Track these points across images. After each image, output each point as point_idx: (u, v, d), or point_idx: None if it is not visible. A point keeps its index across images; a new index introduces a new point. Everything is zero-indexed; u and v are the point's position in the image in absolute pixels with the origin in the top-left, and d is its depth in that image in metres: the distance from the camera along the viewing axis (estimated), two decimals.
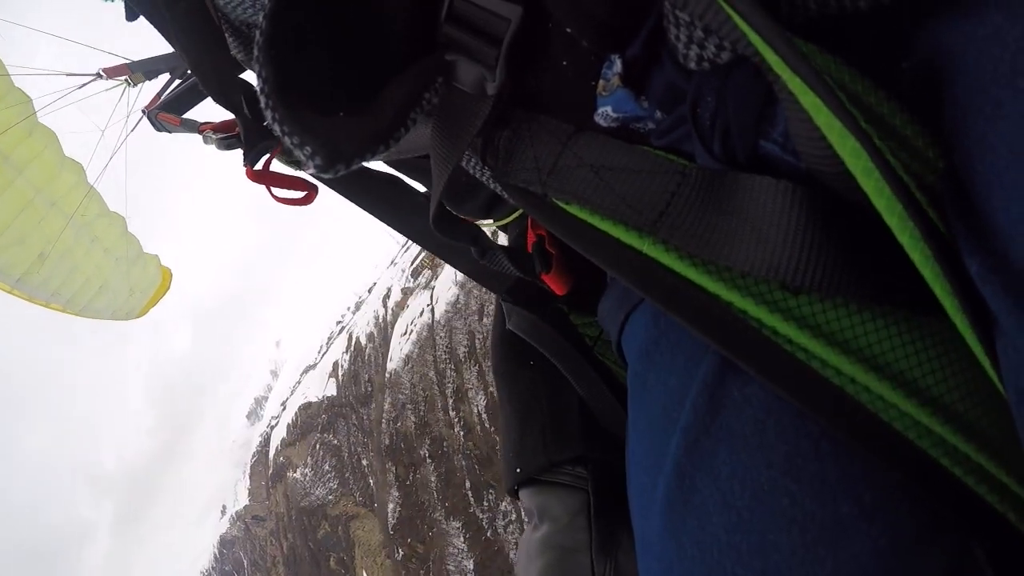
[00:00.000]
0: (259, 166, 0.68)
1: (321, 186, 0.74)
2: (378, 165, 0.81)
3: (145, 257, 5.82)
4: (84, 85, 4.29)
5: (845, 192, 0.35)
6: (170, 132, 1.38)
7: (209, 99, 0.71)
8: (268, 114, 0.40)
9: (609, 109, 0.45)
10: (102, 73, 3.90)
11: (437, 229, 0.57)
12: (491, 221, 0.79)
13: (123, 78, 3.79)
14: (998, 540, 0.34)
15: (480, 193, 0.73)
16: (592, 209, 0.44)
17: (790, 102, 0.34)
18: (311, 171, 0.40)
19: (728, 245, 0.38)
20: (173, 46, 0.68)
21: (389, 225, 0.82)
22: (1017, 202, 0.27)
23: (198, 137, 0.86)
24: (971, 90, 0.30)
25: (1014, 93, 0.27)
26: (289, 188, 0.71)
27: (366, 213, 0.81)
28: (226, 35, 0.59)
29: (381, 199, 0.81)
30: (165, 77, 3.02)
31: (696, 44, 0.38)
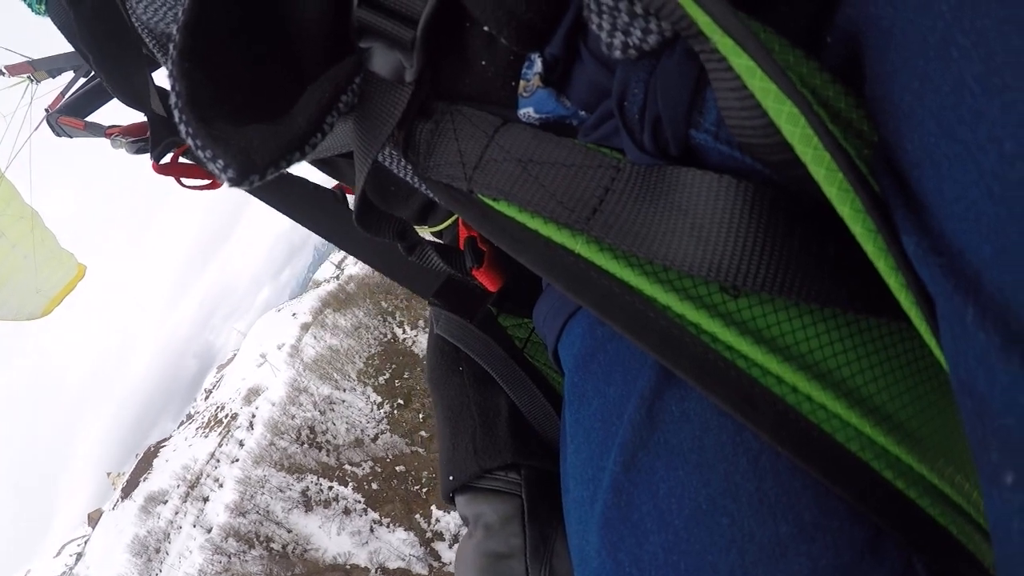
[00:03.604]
0: (166, 160, 0.67)
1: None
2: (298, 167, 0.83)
3: (60, 255, 5.45)
4: None
5: (782, 168, 0.34)
6: (71, 137, 1.29)
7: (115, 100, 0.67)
8: (181, 128, 0.38)
9: (531, 110, 0.44)
10: (3, 70, 3.69)
11: (360, 224, 0.54)
12: (426, 228, 0.77)
13: (25, 75, 3.60)
14: (940, 554, 0.34)
15: (412, 200, 0.70)
16: (521, 206, 0.42)
17: (721, 71, 0.32)
18: (226, 184, 0.39)
19: (666, 243, 0.36)
20: (73, 45, 0.64)
21: (307, 227, 0.79)
22: (949, 181, 0.24)
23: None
24: (898, 64, 0.28)
25: (944, 64, 0.25)
26: (196, 178, 0.71)
27: (283, 215, 0.78)
28: (153, 49, 0.56)
29: (298, 200, 0.78)
30: (69, 75, 2.87)
31: (620, 31, 0.37)
